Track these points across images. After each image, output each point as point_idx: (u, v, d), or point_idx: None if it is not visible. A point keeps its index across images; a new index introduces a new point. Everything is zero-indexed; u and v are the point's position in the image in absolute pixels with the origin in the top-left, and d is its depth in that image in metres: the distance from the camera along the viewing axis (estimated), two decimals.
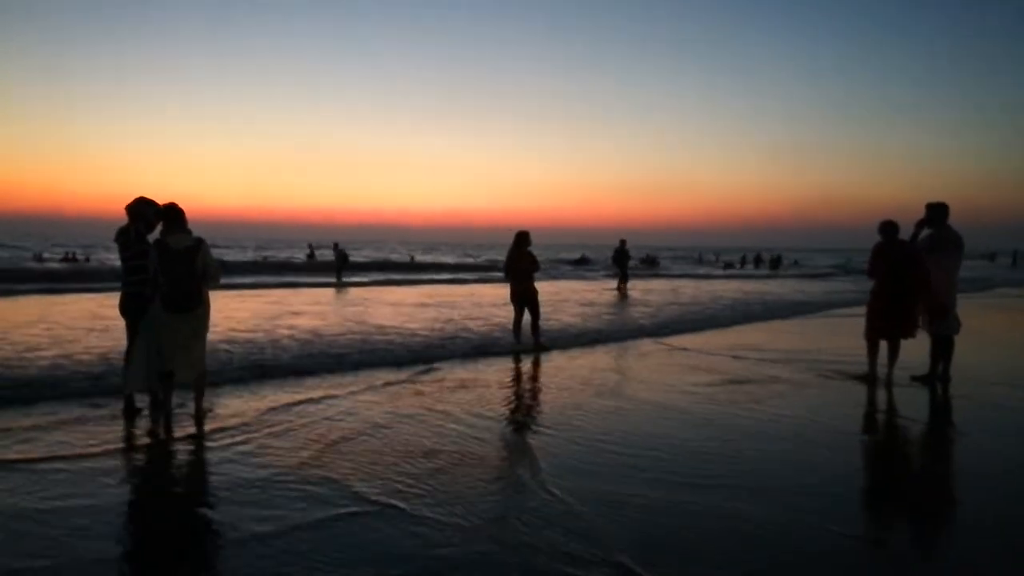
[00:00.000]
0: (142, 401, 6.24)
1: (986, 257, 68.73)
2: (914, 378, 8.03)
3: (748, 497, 4.36)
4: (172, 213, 5.85)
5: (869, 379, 8.02)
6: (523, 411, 6.83)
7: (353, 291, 22.28)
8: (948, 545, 3.96)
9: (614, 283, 25.08)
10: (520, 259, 10.52)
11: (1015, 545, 3.80)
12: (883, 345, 8.05)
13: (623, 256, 24.48)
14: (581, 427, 6.00)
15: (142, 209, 6.11)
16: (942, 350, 7.95)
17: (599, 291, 23.33)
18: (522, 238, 10.57)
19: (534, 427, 6.09)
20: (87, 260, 39.24)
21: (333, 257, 29.35)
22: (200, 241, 5.85)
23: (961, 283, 8.40)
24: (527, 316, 10.57)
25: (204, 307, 5.94)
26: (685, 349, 10.73)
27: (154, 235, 6.03)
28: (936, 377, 7.96)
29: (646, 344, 11.32)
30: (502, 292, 11.22)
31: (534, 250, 10.87)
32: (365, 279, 28.72)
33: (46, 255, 43.85)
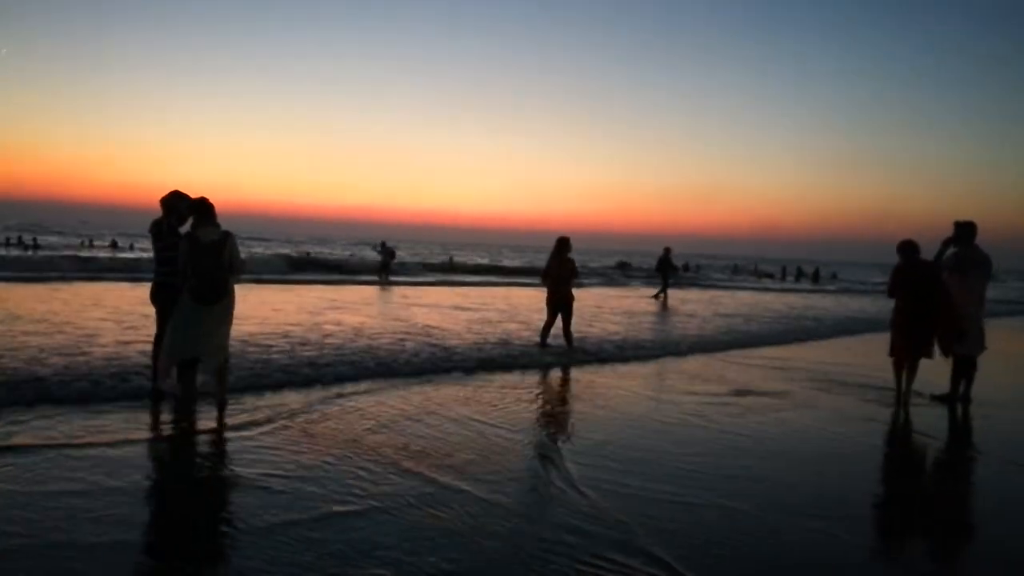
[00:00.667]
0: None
1: None
2: (934, 397, 7.95)
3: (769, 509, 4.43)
4: (203, 207, 6.12)
5: (896, 399, 7.86)
6: (556, 421, 6.78)
7: (398, 290, 22.20)
8: (966, 568, 3.96)
9: (653, 291, 24.65)
10: (561, 265, 10.52)
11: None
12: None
13: (667, 264, 24.04)
14: (611, 438, 5.99)
15: (175, 202, 6.36)
16: (964, 371, 7.85)
17: (636, 299, 22.98)
18: (563, 244, 10.55)
19: (565, 437, 6.06)
20: (131, 247, 40.69)
21: (379, 256, 28.74)
22: (227, 234, 6.10)
23: (1004, 304, 8.31)
24: (559, 322, 10.55)
25: (230, 298, 6.19)
26: (741, 364, 10.39)
27: (186, 228, 6.28)
28: (957, 398, 7.87)
29: (698, 359, 10.81)
30: (541, 296, 11.12)
31: (573, 255, 10.84)
32: (408, 279, 28.49)
33: (96, 243, 45.57)
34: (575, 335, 10.72)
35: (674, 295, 24.29)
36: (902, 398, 7.79)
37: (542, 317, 10.92)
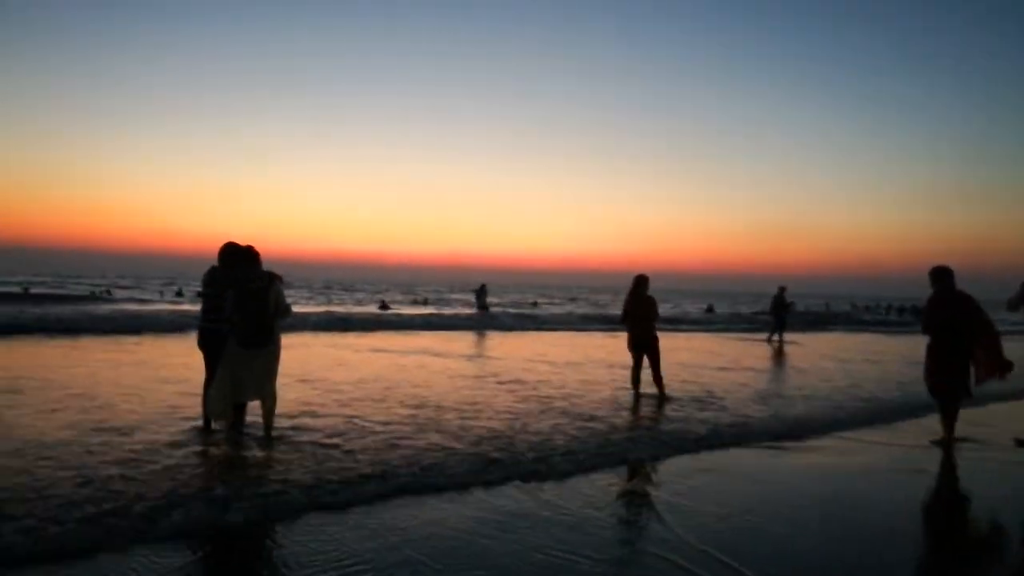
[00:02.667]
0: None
1: None
2: (1020, 442, 7.33)
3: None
4: (249, 255, 6.41)
5: (944, 444, 7.30)
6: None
7: (497, 338, 21.25)
8: None
9: (765, 335, 23.31)
10: (640, 304, 10.11)
11: None
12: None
13: (781, 305, 22.63)
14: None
15: (228, 251, 6.61)
16: None
17: (745, 344, 21.23)
18: (641, 282, 10.17)
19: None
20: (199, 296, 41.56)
21: (475, 297, 31.04)
22: (272, 280, 6.32)
23: None
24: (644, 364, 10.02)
25: (276, 344, 6.42)
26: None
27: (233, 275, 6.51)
28: None
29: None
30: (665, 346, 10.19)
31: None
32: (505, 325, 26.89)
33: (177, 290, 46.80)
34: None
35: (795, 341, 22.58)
36: (947, 443, 7.26)
37: (689, 375, 10.18)
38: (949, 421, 7.36)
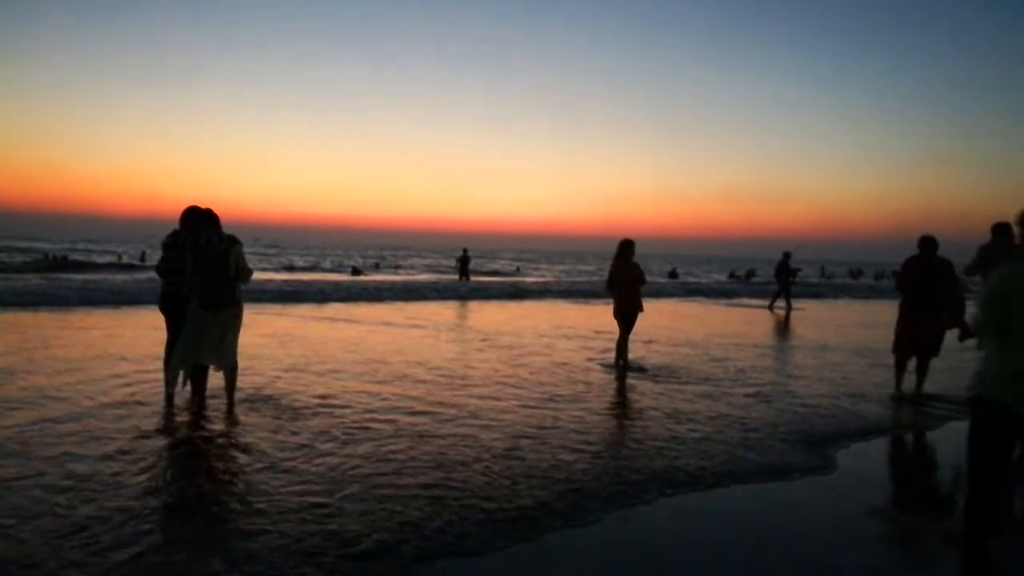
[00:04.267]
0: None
1: None
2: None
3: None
4: (208, 217, 6.37)
5: (895, 400, 7.89)
6: None
7: (481, 307, 19.90)
8: None
9: (765, 302, 23.02)
10: (626, 270, 9.67)
11: None
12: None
13: (786, 270, 21.88)
14: None
15: (189, 214, 6.53)
16: None
17: (749, 312, 20.69)
18: (626, 247, 9.64)
19: None
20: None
21: (457, 262, 31.06)
22: (233, 242, 6.30)
23: None
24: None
25: (237, 306, 6.40)
26: None
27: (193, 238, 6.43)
28: None
29: None
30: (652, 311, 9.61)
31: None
32: (490, 294, 24.59)
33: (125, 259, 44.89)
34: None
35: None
36: (913, 396, 7.88)
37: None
38: (920, 375, 8.01)
